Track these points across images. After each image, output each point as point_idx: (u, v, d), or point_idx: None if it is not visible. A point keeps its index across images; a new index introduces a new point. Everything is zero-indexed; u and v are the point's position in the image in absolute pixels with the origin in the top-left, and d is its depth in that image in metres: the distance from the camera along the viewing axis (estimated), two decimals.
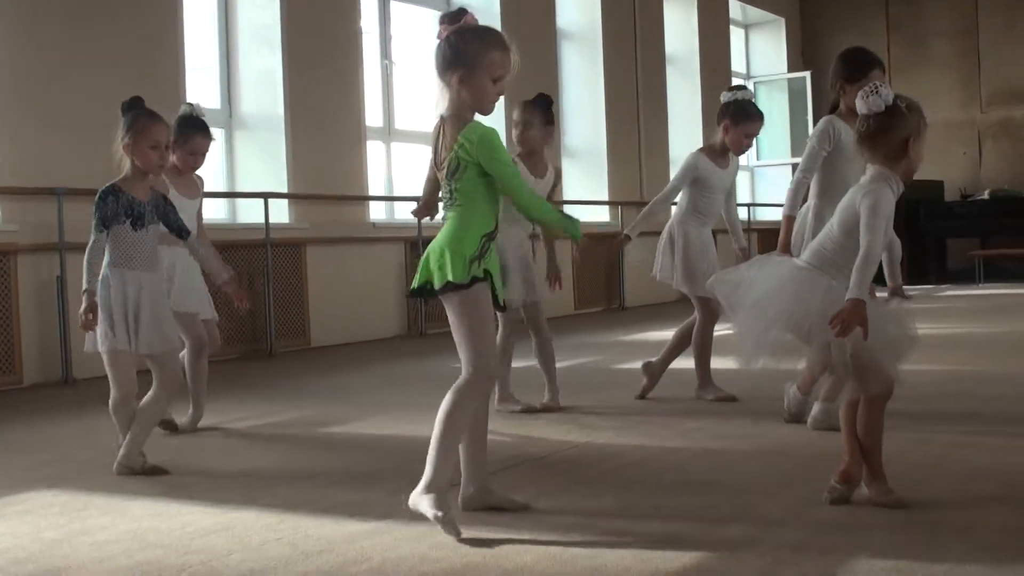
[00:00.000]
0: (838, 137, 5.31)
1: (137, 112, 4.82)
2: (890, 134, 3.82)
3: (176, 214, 5.00)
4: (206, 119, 5.93)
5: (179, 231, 5.03)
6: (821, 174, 5.42)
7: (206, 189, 6.23)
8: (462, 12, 3.80)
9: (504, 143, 3.80)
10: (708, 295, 5.56)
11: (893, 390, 3.88)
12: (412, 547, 3.49)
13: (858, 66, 5.37)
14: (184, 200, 5.70)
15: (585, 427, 5.53)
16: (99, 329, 4.76)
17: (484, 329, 3.80)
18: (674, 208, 6.63)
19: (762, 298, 3.85)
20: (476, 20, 3.81)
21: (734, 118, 6.23)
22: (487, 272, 3.78)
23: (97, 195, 4.74)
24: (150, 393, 4.90)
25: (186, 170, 5.85)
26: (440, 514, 3.61)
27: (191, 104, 5.91)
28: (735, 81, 18.75)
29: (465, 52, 3.71)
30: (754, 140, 6.39)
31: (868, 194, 3.79)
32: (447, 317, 3.84)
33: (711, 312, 6.21)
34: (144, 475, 4.73)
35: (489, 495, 3.94)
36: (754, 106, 6.31)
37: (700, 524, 3.66)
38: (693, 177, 6.30)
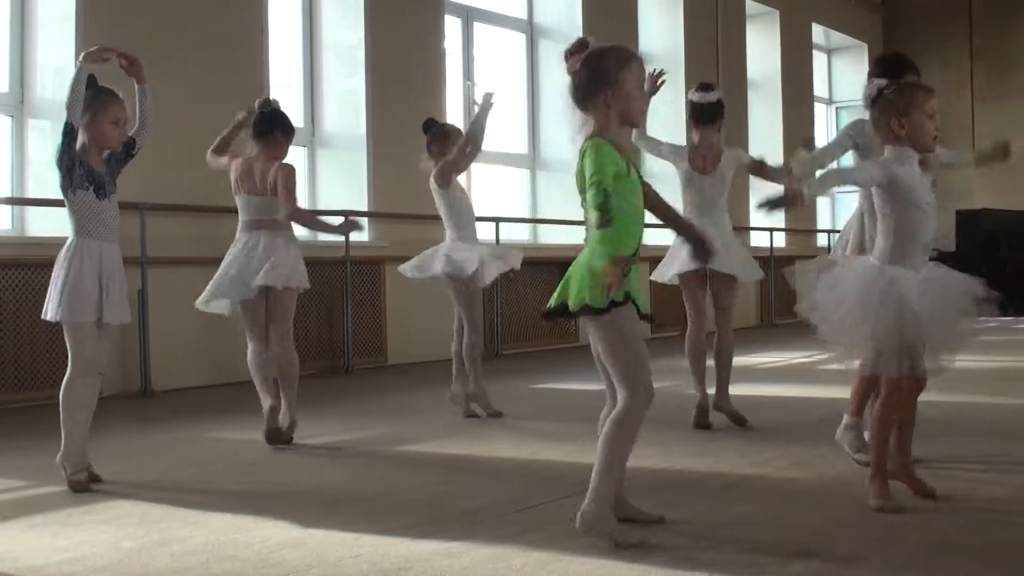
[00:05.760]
0: (867, 137, 5.22)
1: (96, 90, 4.88)
2: (879, 122, 4.28)
3: (125, 150, 5.01)
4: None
5: (132, 144, 5.04)
6: None
7: None
8: (584, 41, 3.87)
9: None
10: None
11: (903, 387, 4.16)
12: (489, 568, 3.47)
13: (891, 69, 5.31)
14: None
15: (664, 452, 5.47)
16: (60, 299, 4.76)
17: (629, 351, 3.80)
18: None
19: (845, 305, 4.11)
20: (599, 44, 3.88)
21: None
22: (627, 295, 3.76)
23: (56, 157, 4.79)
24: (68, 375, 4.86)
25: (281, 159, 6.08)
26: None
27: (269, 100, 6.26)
28: (817, 106, 18.62)
29: (606, 71, 3.79)
30: None
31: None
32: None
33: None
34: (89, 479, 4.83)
35: (624, 507, 3.98)
36: None
37: (778, 555, 3.60)
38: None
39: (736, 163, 6.30)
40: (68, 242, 4.85)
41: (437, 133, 7.03)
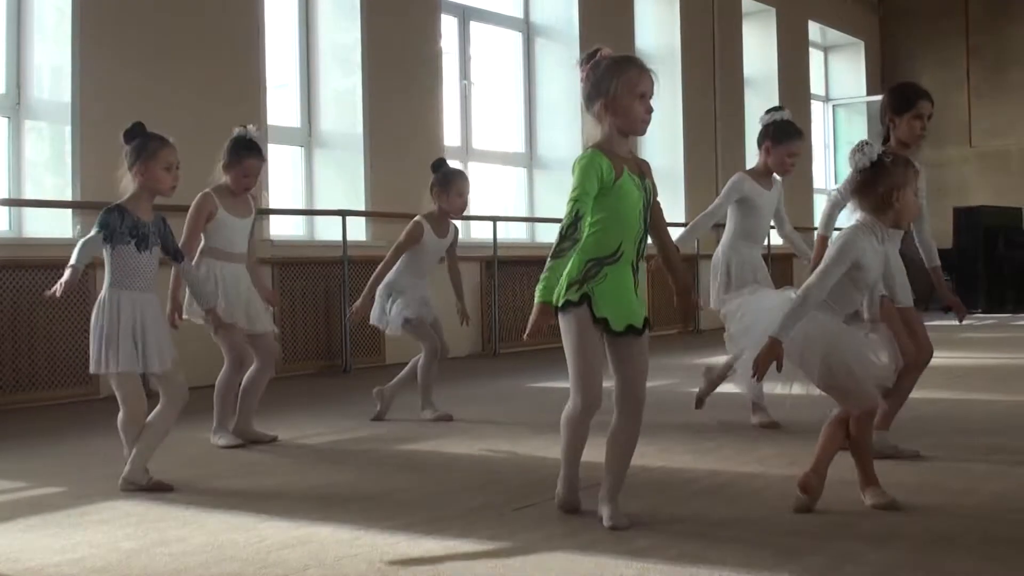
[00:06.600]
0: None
1: (145, 137, 4.88)
2: (874, 187, 4.14)
3: (174, 239, 5.05)
4: (263, 141, 6.11)
5: (175, 255, 5.09)
6: None
7: (286, 207, 6.30)
8: (597, 50, 4.00)
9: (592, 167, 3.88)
10: None
11: (876, 407, 4.24)
12: (488, 566, 3.47)
13: (905, 97, 5.30)
14: (236, 220, 5.90)
15: (662, 451, 5.48)
16: (100, 351, 4.74)
17: (577, 355, 3.91)
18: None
19: (756, 331, 4.07)
20: (611, 53, 3.98)
21: (775, 138, 6.22)
22: (585, 296, 3.88)
23: (102, 211, 4.80)
24: (157, 409, 4.91)
25: (239, 191, 5.94)
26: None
27: (244, 127, 6.00)
28: (814, 104, 18.63)
29: (602, 81, 3.90)
30: (796, 160, 6.30)
31: (840, 236, 4.14)
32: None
33: None
34: (147, 491, 4.73)
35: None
36: (794, 125, 6.30)
37: (776, 554, 3.60)
38: (738, 198, 6.27)
39: (738, 192, 6.24)
40: (101, 293, 4.81)
41: (438, 177, 6.77)
